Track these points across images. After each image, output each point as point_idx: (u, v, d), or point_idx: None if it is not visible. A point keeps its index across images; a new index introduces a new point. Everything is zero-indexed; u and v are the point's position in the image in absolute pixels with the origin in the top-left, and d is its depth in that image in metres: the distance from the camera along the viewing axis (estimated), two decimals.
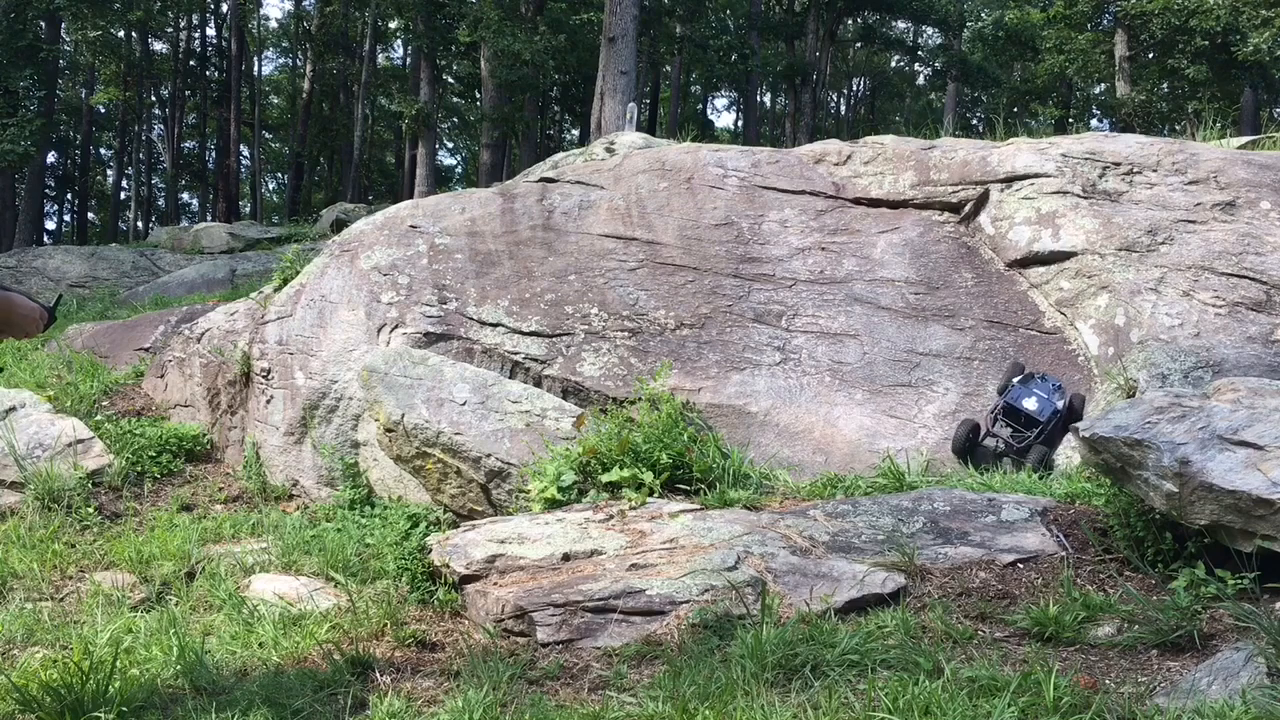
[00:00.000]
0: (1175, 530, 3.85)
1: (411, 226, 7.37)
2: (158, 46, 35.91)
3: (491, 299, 6.83)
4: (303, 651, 3.97)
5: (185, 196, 43.04)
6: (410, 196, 21.06)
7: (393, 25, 34.87)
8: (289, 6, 45.85)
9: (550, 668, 3.57)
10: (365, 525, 5.82)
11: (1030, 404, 5.82)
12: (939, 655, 3.20)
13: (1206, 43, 22.80)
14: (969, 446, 5.88)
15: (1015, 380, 6.02)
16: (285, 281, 7.67)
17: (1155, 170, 7.03)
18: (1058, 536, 4.30)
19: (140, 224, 36.42)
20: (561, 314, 6.75)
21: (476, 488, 5.69)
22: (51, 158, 35.50)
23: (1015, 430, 5.85)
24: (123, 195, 39.05)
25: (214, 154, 37.04)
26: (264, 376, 7.09)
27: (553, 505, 5.09)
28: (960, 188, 7.30)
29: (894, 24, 37.87)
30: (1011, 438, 5.86)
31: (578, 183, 7.76)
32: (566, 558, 4.29)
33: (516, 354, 6.56)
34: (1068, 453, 5.73)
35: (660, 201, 7.45)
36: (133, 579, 5.27)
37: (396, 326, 6.71)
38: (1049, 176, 7.06)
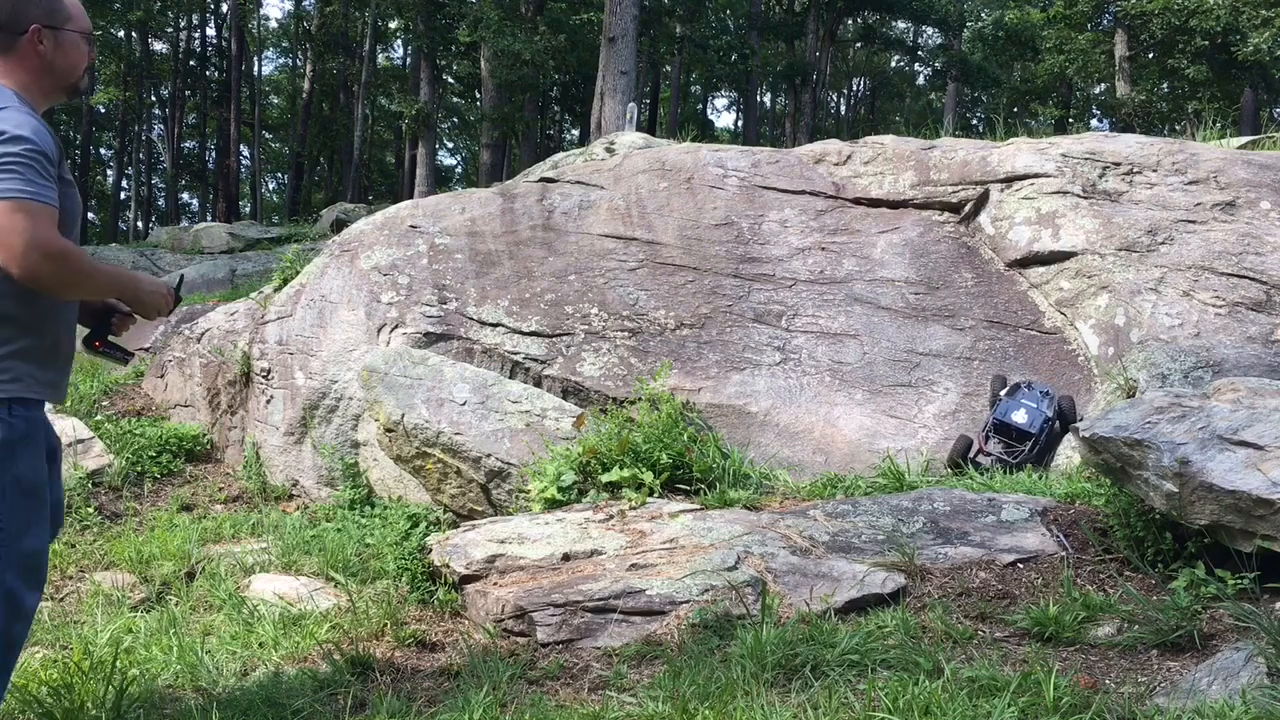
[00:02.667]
0: (1175, 530, 3.85)
1: (411, 226, 7.37)
2: (158, 46, 35.98)
3: (491, 299, 6.83)
4: (303, 651, 3.97)
5: (185, 196, 43.10)
6: (410, 196, 21.07)
7: (393, 25, 34.92)
8: (289, 6, 45.86)
9: (550, 668, 3.57)
10: (365, 525, 5.82)
11: (1020, 417, 5.74)
12: (939, 655, 3.20)
13: (1206, 43, 22.84)
14: (963, 461, 5.84)
15: (1002, 393, 5.96)
16: (285, 281, 7.67)
17: (1155, 170, 7.03)
18: (1058, 536, 4.30)
19: (140, 224, 36.47)
20: (561, 314, 6.74)
21: (476, 488, 5.69)
22: None
23: (1008, 445, 5.80)
24: (123, 195, 39.11)
25: (214, 154, 37.08)
26: (264, 376, 7.09)
27: (553, 505, 5.08)
28: (960, 188, 7.30)
29: (894, 24, 37.92)
30: (1005, 453, 5.79)
31: (578, 183, 7.75)
32: (566, 558, 4.28)
33: (516, 354, 6.56)
34: (1068, 453, 5.73)
35: (660, 201, 7.45)
36: (133, 579, 5.27)
37: (396, 326, 6.71)
38: (1049, 176, 7.06)
